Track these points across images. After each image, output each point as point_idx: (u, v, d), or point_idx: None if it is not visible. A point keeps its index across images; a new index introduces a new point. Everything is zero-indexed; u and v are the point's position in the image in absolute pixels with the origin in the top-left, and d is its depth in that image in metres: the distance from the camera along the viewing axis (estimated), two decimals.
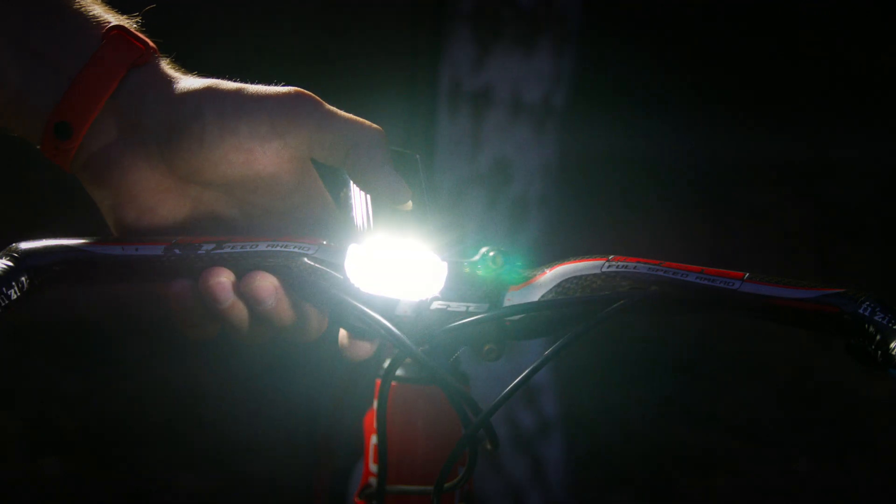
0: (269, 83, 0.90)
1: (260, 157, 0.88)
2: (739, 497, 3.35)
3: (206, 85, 0.89)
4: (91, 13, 0.90)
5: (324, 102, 0.89)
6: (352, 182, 0.91)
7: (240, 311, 0.88)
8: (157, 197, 0.90)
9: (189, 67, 0.93)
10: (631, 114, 5.67)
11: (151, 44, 0.90)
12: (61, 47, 0.88)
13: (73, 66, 0.88)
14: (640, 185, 5.24)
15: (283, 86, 0.89)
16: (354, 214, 0.90)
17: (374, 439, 0.97)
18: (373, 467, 0.98)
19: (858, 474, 3.43)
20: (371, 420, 0.98)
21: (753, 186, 5.30)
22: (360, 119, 0.89)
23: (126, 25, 0.90)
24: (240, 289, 0.87)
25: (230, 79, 0.90)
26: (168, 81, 0.89)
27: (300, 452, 3.01)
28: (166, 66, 0.91)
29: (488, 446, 0.91)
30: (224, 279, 0.87)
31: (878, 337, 0.80)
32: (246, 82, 0.90)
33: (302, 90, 0.89)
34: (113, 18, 0.91)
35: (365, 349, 0.91)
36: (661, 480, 3.40)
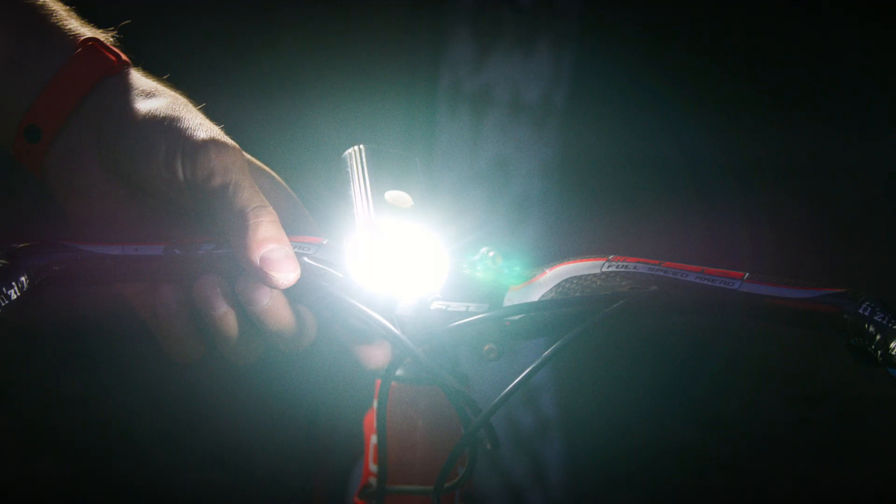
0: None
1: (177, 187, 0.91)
2: (739, 497, 3.35)
3: (166, 109, 0.91)
4: (67, 27, 0.94)
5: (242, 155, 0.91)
6: (353, 179, 0.91)
7: (231, 319, 0.89)
8: (112, 204, 0.92)
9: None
10: (631, 113, 5.67)
11: (124, 56, 0.94)
12: (37, 56, 0.92)
13: (46, 74, 0.92)
14: (640, 185, 5.24)
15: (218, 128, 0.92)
16: (355, 213, 0.90)
17: (374, 439, 0.97)
18: (373, 467, 0.98)
19: (858, 474, 3.43)
20: (371, 420, 0.98)
21: (753, 186, 5.30)
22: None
23: (101, 38, 0.94)
24: (234, 289, 0.88)
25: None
26: (133, 94, 0.92)
27: (300, 452, 3.01)
28: (138, 78, 0.94)
29: (488, 446, 0.91)
30: (217, 286, 0.88)
31: (878, 337, 0.80)
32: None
33: (223, 141, 0.91)
34: (88, 32, 0.95)
35: (380, 357, 0.91)
36: (661, 480, 3.40)
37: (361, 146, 0.94)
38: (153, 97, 0.92)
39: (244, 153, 0.92)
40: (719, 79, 6.25)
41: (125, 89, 0.92)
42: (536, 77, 2.75)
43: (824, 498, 3.34)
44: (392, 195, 0.91)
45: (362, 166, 0.92)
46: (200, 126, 0.90)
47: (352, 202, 0.91)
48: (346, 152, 0.94)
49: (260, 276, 0.87)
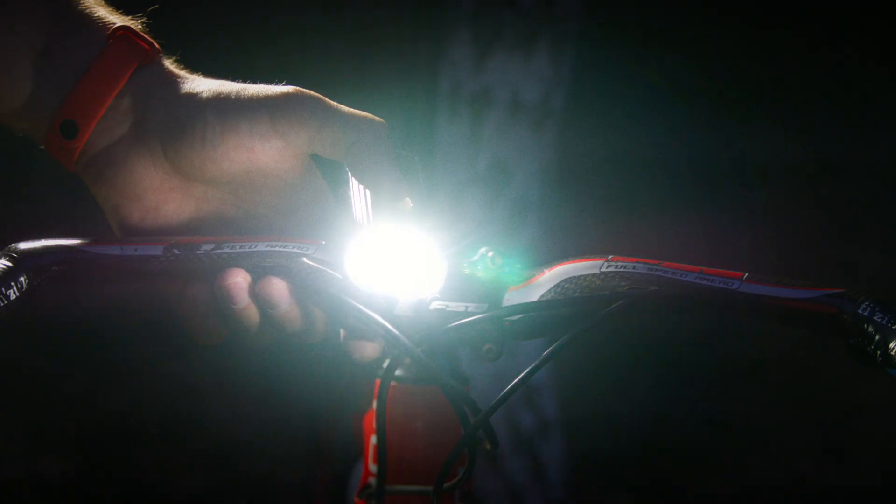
0: (271, 83, 0.91)
1: (261, 155, 0.89)
2: (739, 497, 3.35)
3: (209, 85, 0.89)
4: (96, 14, 0.91)
5: (325, 99, 0.89)
6: (351, 179, 0.91)
7: (252, 313, 0.88)
8: (161, 196, 0.91)
9: (192, 66, 0.93)
10: (630, 114, 5.67)
11: (156, 44, 0.91)
12: (68, 47, 0.89)
13: (79, 66, 0.89)
14: (640, 186, 5.23)
15: (285, 85, 0.89)
16: (354, 212, 0.90)
17: (373, 439, 0.97)
18: (372, 467, 0.98)
19: (858, 474, 3.43)
20: (371, 420, 0.99)
21: (753, 186, 5.30)
22: (363, 113, 0.89)
23: (131, 26, 0.91)
24: (255, 292, 0.88)
25: (233, 79, 0.91)
26: (172, 81, 0.90)
27: (300, 452, 3.01)
28: (171, 66, 0.91)
29: (487, 446, 0.91)
30: (241, 280, 0.87)
31: (877, 337, 0.80)
32: (248, 82, 0.90)
33: (302, 89, 0.89)
34: (118, 20, 0.92)
35: (370, 350, 0.91)
36: (661, 480, 3.40)
37: None
38: (195, 80, 0.90)
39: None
40: (719, 79, 6.25)
41: (166, 76, 0.90)
42: (536, 78, 2.75)
43: (824, 498, 3.34)
44: None
45: None
46: (267, 87, 0.89)
47: (350, 203, 0.91)
48: None
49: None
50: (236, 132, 0.88)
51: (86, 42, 0.89)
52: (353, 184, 0.91)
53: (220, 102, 0.88)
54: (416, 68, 2.77)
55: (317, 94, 0.89)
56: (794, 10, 6.63)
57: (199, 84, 0.90)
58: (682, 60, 6.39)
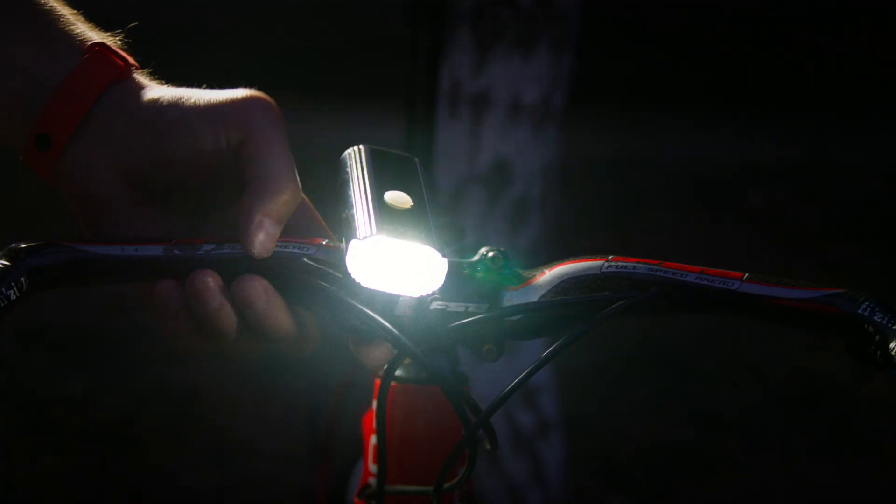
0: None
1: (219, 167, 0.90)
2: (739, 497, 3.35)
3: (172, 93, 0.92)
4: (75, 31, 0.93)
5: (273, 105, 0.91)
6: (352, 179, 0.91)
7: (227, 315, 0.88)
8: (127, 210, 0.92)
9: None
10: (630, 114, 5.67)
11: (132, 60, 0.94)
12: (45, 63, 0.92)
13: (55, 81, 0.91)
14: (640, 186, 5.24)
15: (245, 89, 0.92)
16: (354, 214, 0.90)
17: (373, 439, 0.97)
18: (372, 467, 0.98)
19: (858, 474, 3.43)
20: (371, 420, 0.99)
21: (754, 186, 5.30)
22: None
23: (108, 42, 0.93)
24: (229, 291, 0.88)
25: (207, 86, 0.92)
26: (143, 97, 0.92)
27: (300, 452, 3.01)
28: (145, 81, 0.94)
29: (488, 446, 0.91)
30: (210, 280, 0.88)
31: (877, 337, 0.80)
32: (215, 87, 0.92)
33: (254, 93, 0.91)
34: (96, 36, 0.94)
35: (378, 354, 0.91)
36: (661, 480, 3.40)
37: (361, 146, 0.94)
38: (167, 92, 0.92)
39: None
40: (719, 79, 6.25)
41: (136, 90, 0.92)
42: (536, 78, 2.75)
43: (824, 498, 3.34)
44: (391, 196, 0.91)
45: (362, 167, 0.92)
46: (232, 91, 0.91)
47: (351, 203, 0.90)
48: (346, 153, 0.94)
49: (250, 235, 0.88)
50: (198, 147, 0.90)
51: (62, 58, 0.92)
52: (355, 184, 0.91)
53: (183, 116, 0.90)
54: (416, 68, 2.78)
55: (266, 99, 0.91)
56: (795, 10, 6.63)
57: (163, 93, 0.92)
58: (682, 61, 6.39)
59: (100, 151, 0.91)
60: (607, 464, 3.41)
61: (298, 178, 0.90)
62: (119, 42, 0.95)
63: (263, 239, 0.88)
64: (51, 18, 0.93)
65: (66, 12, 0.94)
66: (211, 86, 0.93)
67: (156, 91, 0.92)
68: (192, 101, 0.90)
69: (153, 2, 6.06)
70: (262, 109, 0.90)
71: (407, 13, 2.88)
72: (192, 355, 0.91)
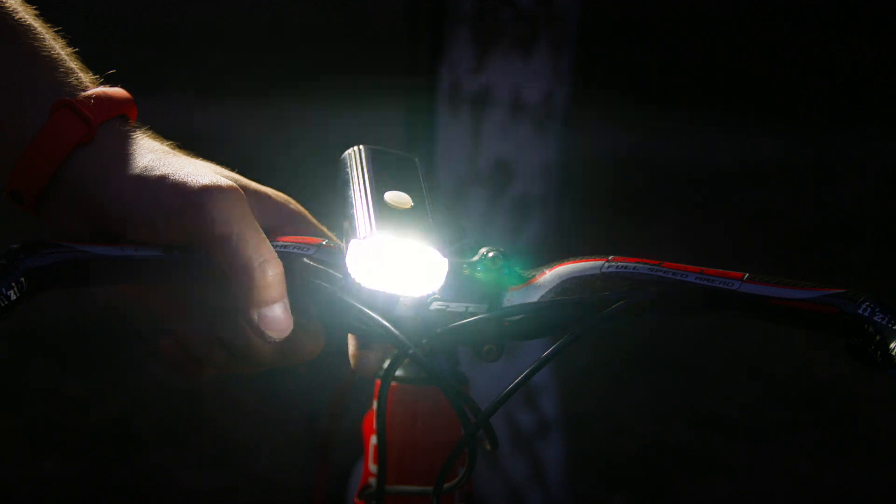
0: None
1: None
2: (739, 497, 3.35)
3: (134, 175, 0.89)
4: (55, 79, 0.91)
5: (241, 197, 0.88)
6: (351, 181, 0.91)
7: (216, 357, 0.89)
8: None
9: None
10: (630, 114, 5.67)
11: (94, 120, 0.90)
12: (17, 116, 0.90)
13: (27, 137, 0.90)
14: (641, 186, 5.24)
15: (210, 172, 0.89)
16: (354, 214, 0.90)
17: (373, 439, 0.97)
18: (372, 467, 0.98)
19: (858, 474, 3.43)
20: (371, 420, 0.99)
21: (753, 186, 5.30)
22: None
23: (80, 98, 0.90)
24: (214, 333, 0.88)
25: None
26: (105, 171, 0.89)
27: (300, 452, 3.01)
28: (110, 143, 0.91)
29: (487, 446, 0.91)
30: (178, 347, 0.90)
31: (877, 337, 0.80)
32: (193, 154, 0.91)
33: (215, 183, 0.88)
34: (74, 80, 0.91)
35: (372, 364, 0.91)
36: (661, 480, 3.40)
37: (361, 146, 0.94)
38: (132, 158, 0.90)
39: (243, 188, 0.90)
40: (719, 79, 6.26)
41: (99, 160, 0.90)
42: (536, 77, 2.75)
43: (824, 498, 3.34)
44: (392, 196, 0.90)
45: (362, 167, 0.92)
46: (191, 175, 0.87)
47: (351, 203, 0.90)
48: (346, 153, 0.94)
49: (255, 332, 0.87)
50: (147, 227, 0.88)
51: (32, 113, 0.90)
52: (355, 184, 0.91)
53: (133, 193, 0.88)
54: (416, 68, 2.78)
55: (235, 188, 0.88)
56: (795, 11, 6.64)
57: (124, 165, 0.89)
58: (682, 61, 6.40)
59: (70, 210, 0.90)
60: (607, 464, 3.42)
61: (266, 246, 0.87)
62: (100, 84, 0.92)
63: (271, 327, 0.87)
64: (27, 62, 0.91)
65: (54, 49, 0.92)
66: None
67: (117, 161, 0.90)
68: (153, 185, 0.87)
69: (153, 2, 6.08)
70: (218, 204, 0.86)
71: (407, 13, 2.88)
72: (196, 382, 0.92)
